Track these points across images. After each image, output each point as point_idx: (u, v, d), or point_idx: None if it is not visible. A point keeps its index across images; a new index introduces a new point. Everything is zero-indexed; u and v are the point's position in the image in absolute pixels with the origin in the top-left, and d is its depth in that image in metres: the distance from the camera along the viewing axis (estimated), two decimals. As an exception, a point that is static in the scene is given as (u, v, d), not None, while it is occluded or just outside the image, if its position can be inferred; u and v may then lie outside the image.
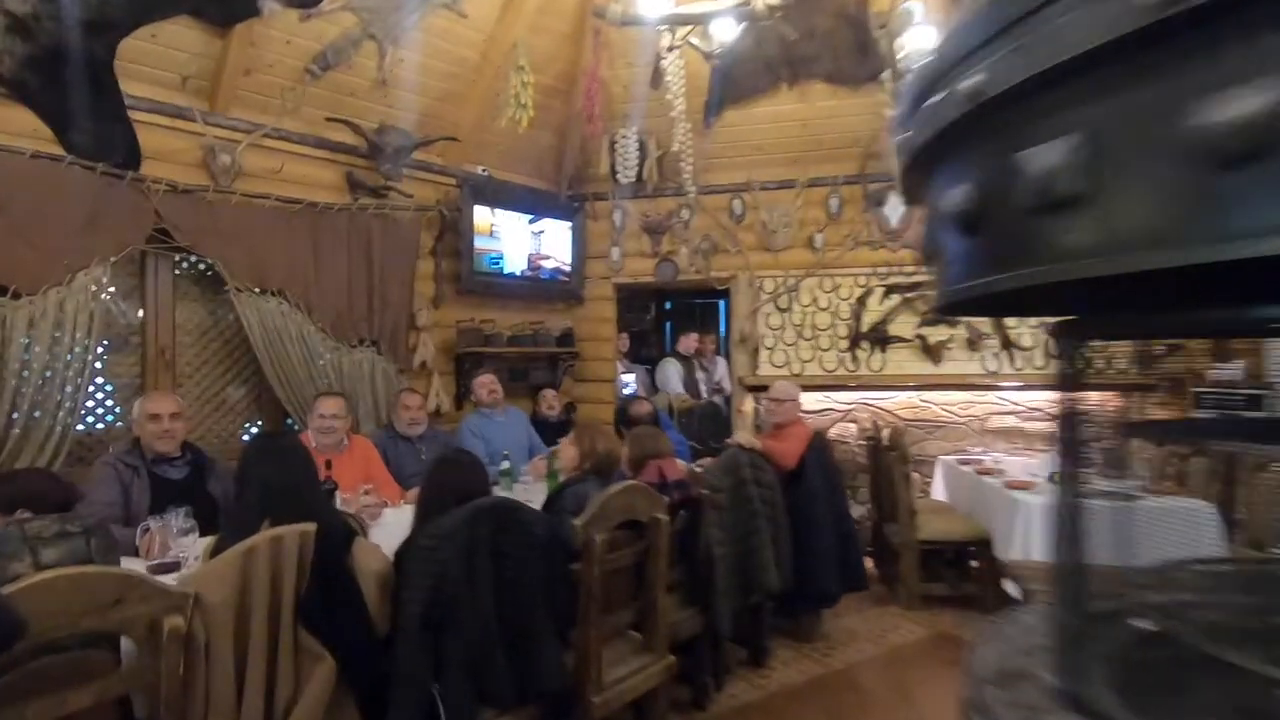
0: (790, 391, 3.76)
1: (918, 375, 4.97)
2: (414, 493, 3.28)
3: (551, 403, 4.96)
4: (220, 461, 3.11)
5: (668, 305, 7.69)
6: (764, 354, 5.25)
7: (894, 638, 3.62)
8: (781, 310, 5.27)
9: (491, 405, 4.37)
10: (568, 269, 5.50)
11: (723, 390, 6.20)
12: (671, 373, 5.91)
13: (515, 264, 5.17)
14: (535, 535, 2.09)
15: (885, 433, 4.43)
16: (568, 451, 2.67)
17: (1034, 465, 3.87)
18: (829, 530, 3.40)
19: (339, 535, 1.80)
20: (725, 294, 7.17)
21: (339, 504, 2.78)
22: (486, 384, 4.39)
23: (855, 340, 5.12)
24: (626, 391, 5.88)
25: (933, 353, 4.94)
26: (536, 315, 5.41)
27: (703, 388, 6.10)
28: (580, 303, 5.66)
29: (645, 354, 7.52)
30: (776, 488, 3.23)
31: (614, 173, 5.39)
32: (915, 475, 4.26)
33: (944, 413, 5.04)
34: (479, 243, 4.91)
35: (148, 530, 2.32)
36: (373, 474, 3.42)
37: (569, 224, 5.51)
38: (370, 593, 1.81)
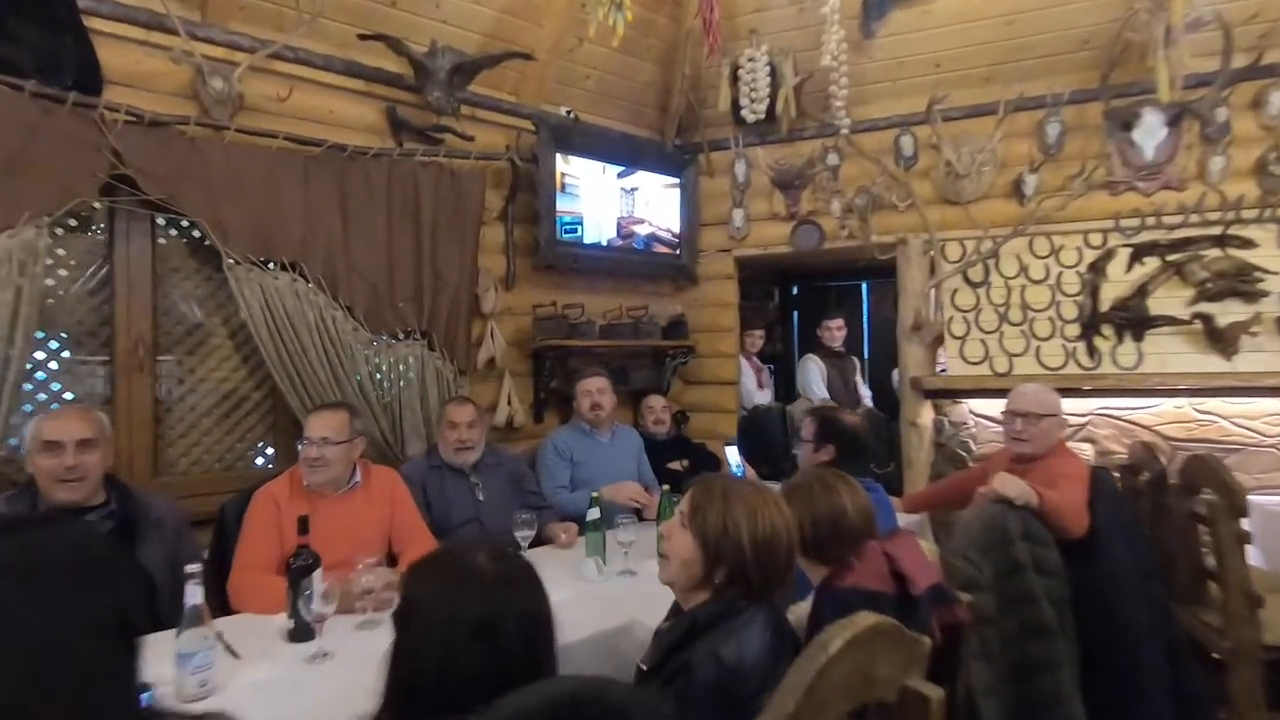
0: (1050, 402, 2.32)
1: (1196, 374, 3.37)
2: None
3: (660, 414, 3.71)
4: (165, 504, 2.06)
5: (794, 291, 6.30)
6: (951, 345, 3.78)
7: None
8: (974, 285, 3.79)
9: (594, 422, 3.16)
10: (670, 238, 4.25)
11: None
12: (813, 374, 4.53)
13: (600, 231, 3.96)
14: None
15: (1168, 460, 2.89)
16: (679, 545, 1.29)
17: None
18: (1153, 640, 1.96)
19: None
20: (870, 274, 5.73)
21: (315, 591, 1.62)
22: (592, 391, 3.17)
23: (1091, 324, 3.57)
24: (758, 400, 4.56)
25: (1223, 340, 3.32)
26: (633, 298, 4.18)
27: (862, 391, 4.71)
28: (692, 282, 4.39)
29: (766, 349, 6.18)
30: (1064, 575, 1.83)
31: (736, 109, 4.10)
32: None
33: (1240, 429, 3.41)
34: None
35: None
36: (399, 527, 2.29)
37: (676, 180, 4.25)
38: None
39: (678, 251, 4.27)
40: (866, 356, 5.79)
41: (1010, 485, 1.88)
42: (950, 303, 3.80)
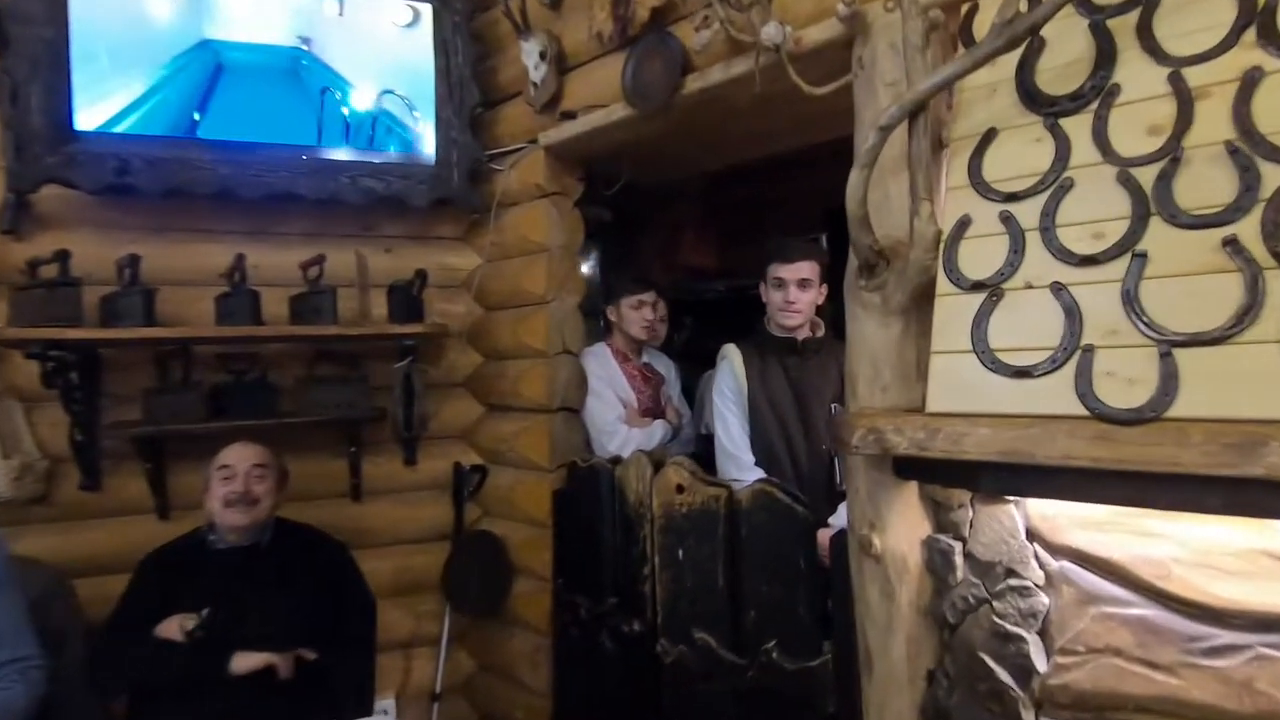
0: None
1: None
2: None
3: (250, 480, 1.64)
4: None
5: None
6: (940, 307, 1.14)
7: None
8: (1075, 101, 1.11)
9: None
10: (402, 128, 2.15)
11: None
12: (724, 387, 1.94)
13: (180, 103, 1.98)
14: None
15: None
16: None
17: None
18: None
19: None
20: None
21: None
22: None
23: None
24: (637, 444, 2.14)
25: None
26: (303, 245, 2.10)
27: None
28: (468, 210, 2.23)
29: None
30: None
31: None
32: None
33: None
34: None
35: None
36: None
37: (410, 8, 2.15)
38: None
39: (420, 154, 2.15)
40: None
41: None
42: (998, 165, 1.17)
